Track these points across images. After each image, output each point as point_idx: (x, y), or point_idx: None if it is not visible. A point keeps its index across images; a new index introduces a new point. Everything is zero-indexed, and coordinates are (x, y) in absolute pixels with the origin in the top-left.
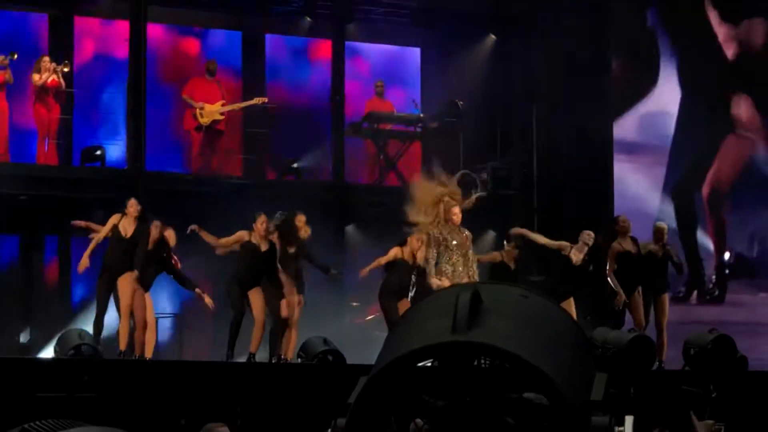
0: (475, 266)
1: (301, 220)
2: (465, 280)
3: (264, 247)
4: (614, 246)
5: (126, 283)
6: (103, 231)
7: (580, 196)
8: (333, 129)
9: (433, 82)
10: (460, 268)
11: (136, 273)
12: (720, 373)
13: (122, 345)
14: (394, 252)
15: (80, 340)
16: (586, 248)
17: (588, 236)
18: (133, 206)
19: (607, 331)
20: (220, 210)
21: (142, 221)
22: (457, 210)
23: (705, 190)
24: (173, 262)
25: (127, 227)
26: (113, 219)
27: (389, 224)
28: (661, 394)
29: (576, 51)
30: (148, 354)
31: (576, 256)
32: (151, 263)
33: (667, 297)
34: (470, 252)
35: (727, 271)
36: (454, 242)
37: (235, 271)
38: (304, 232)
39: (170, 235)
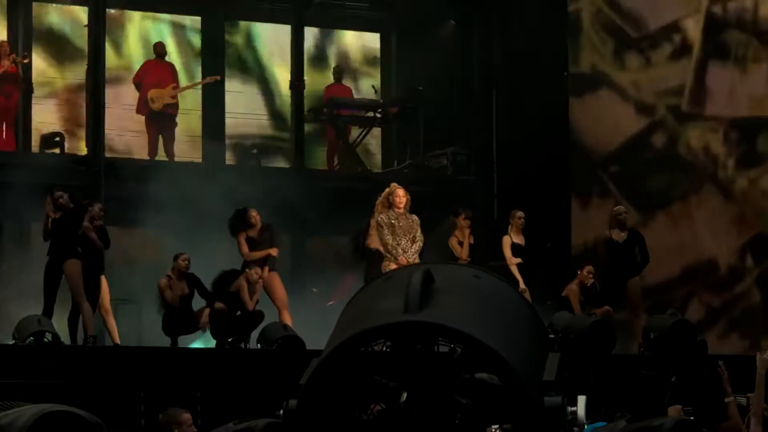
0: (417, 248)
1: (254, 216)
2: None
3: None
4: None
5: (74, 267)
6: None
7: (540, 182)
8: (293, 115)
9: (392, 67)
10: (408, 253)
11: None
12: (679, 358)
13: (90, 330)
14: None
15: (39, 326)
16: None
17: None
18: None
19: (567, 316)
20: (179, 195)
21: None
22: (401, 193)
23: None
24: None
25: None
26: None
27: (351, 210)
28: (620, 378)
29: (536, 36)
30: (116, 339)
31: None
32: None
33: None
34: (418, 235)
35: None
36: (401, 228)
37: None
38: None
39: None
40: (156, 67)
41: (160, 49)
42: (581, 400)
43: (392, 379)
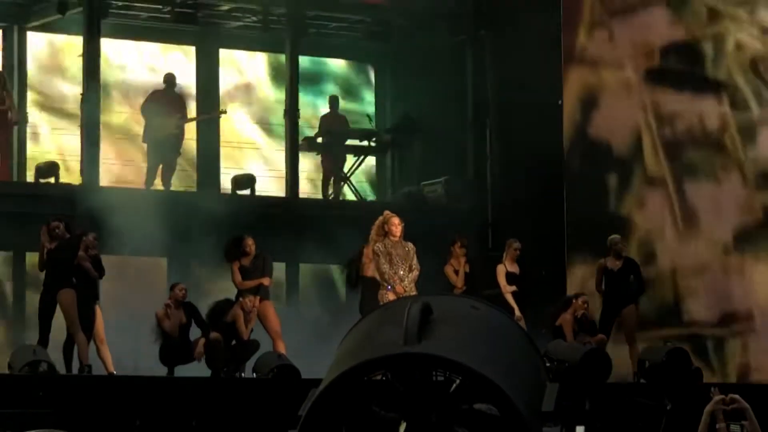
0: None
1: (250, 244)
2: (412, 292)
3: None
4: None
5: (67, 297)
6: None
7: (534, 211)
8: (287, 143)
9: (387, 96)
10: (405, 281)
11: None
12: (674, 386)
13: (86, 359)
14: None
15: (35, 356)
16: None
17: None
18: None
19: (561, 344)
20: (175, 224)
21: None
22: (396, 221)
23: None
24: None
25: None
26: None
27: (345, 239)
28: (615, 406)
29: (530, 63)
30: (110, 368)
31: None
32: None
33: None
34: (414, 264)
35: None
36: (398, 257)
37: None
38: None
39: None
40: (164, 97)
41: (169, 78)
42: (580, 430)
43: (391, 409)
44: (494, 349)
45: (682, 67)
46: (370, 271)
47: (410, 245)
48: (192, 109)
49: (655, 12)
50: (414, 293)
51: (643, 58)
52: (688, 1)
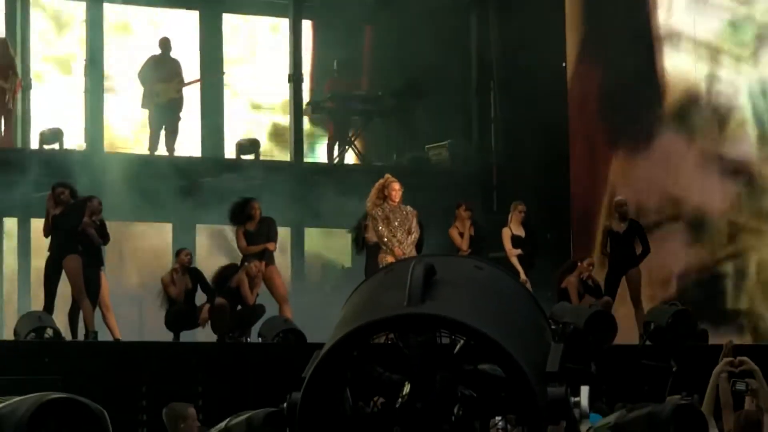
0: (413, 239)
1: (255, 207)
2: (412, 255)
3: None
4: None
5: (72, 263)
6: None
7: (539, 174)
8: (291, 108)
9: (390, 60)
10: (404, 244)
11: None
12: (680, 348)
13: (91, 325)
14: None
15: (40, 322)
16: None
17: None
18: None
19: (566, 307)
20: (183, 190)
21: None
22: (396, 186)
23: None
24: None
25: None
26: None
27: (350, 203)
28: (621, 369)
29: (533, 26)
30: (116, 334)
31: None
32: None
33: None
34: (413, 227)
35: None
36: (397, 221)
37: None
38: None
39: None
40: (160, 62)
41: (165, 43)
42: (584, 390)
43: (395, 371)
44: (498, 309)
45: None
46: (373, 235)
47: (409, 209)
48: (192, 74)
49: None
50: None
51: None
52: None
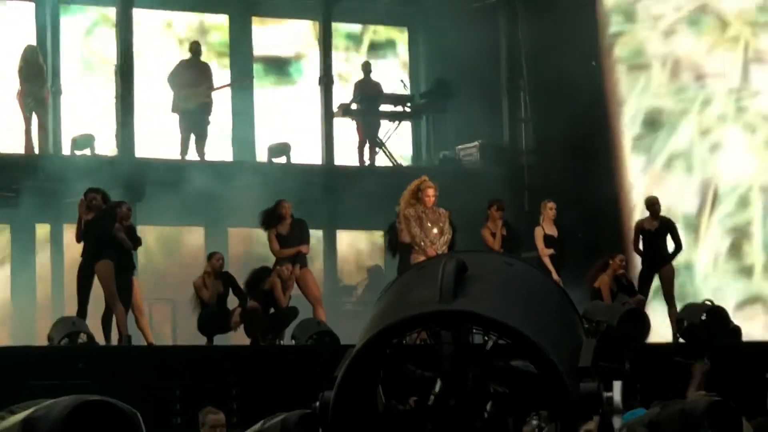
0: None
1: (286, 207)
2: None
3: None
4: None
5: (105, 268)
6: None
7: (571, 174)
8: (322, 110)
9: (420, 60)
10: (437, 244)
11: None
12: (713, 345)
13: (124, 330)
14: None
15: (74, 327)
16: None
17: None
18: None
19: (599, 305)
20: (213, 194)
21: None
22: (431, 192)
23: None
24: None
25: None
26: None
27: (381, 205)
28: (654, 366)
29: (563, 25)
30: (150, 338)
31: None
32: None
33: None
34: (446, 228)
35: None
36: (429, 222)
37: None
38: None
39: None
40: (190, 66)
41: (195, 48)
42: (617, 385)
43: (427, 368)
44: (529, 305)
45: None
46: (405, 237)
47: (442, 210)
48: (221, 79)
49: None
50: None
51: None
52: None
